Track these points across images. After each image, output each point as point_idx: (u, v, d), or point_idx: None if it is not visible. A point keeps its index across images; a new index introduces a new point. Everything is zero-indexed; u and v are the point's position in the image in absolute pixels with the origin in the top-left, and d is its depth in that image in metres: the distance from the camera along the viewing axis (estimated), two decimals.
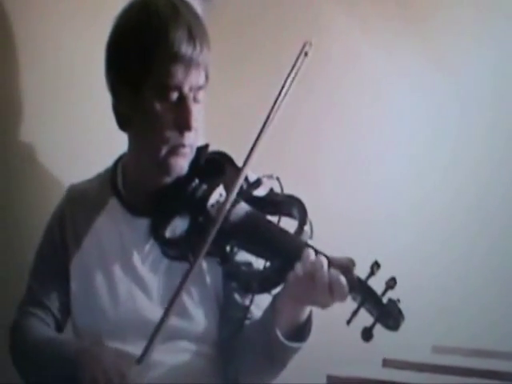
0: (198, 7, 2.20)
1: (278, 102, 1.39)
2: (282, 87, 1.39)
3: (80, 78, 1.84)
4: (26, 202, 1.73)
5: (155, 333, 1.30)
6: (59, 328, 1.59)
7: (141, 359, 1.31)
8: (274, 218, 1.41)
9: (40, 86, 1.77)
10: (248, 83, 2.21)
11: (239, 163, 1.44)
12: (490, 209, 1.99)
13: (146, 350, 1.30)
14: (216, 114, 2.00)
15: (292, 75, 1.40)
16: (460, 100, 2.06)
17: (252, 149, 1.38)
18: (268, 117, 1.39)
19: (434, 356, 1.72)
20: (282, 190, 1.41)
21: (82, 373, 1.36)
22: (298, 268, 1.29)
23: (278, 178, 1.42)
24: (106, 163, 1.61)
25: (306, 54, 1.42)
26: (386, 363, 1.57)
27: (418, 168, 2.09)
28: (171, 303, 1.32)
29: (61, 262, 1.55)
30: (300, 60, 1.41)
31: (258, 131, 1.39)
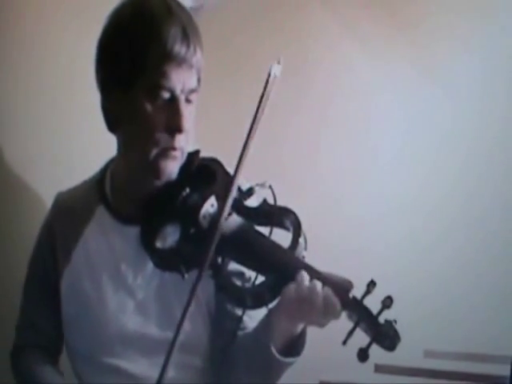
0: None
1: (256, 121, 1.35)
2: (257, 110, 1.35)
3: (67, 83, 1.83)
4: (10, 210, 1.72)
5: (167, 359, 1.25)
6: (58, 346, 1.57)
7: None
8: (266, 229, 1.38)
9: (25, 92, 1.75)
10: (238, 91, 2.22)
11: (231, 170, 1.41)
12: (479, 212, 2.00)
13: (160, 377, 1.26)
14: (206, 121, 2.01)
15: (265, 98, 1.37)
16: (450, 104, 2.07)
17: (240, 160, 1.34)
18: (248, 136, 1.35)
19: (425, 360, 1.73)
20: (274, 198, 1.38)
21: None
22: (292, 291, 1.27)
23: (270, 187, 1.38)
24: (93, 169, 1.58)
25: (274, 76, 1.38)
26: (378, 368, 1.57)
27: (410, 170, 2.10)
28: (180, 324, 1.27)
29: (52, 277, 1.51)
30: (271, 82, 1.37)
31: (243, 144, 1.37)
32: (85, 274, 1.48)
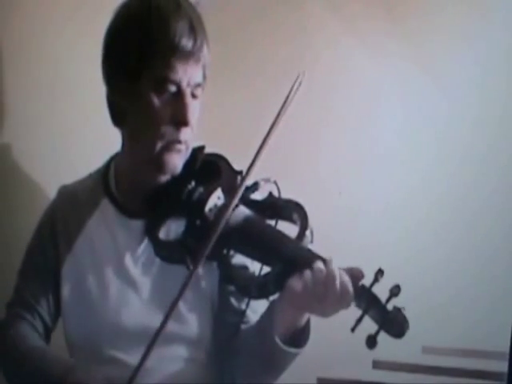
0: None
1: (276, 124, 1.38)
2: (278, 114, 1.37)
3: (68, 80, 1.83)
4: (13, 206, 1.72)
5: (150, 345, 1.27)
6: (47, 332, 1.55)
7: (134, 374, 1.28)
8: (271, 222, 1.39)
9: (26, 89, 1.76)
10: (235, 88, 2.22)
11: (235, 166, 1.44)
12: (477, 208, 2.00)
13: (141, 362, 1.28)
14: (209, 117, 2.01)
15: (287, 105, 1.38)
16: (448, 99, 2.07)
17: (255, 157, 1.35)
18: (268, 133, 1.37)
19: (424, 357, 1.73)
20: (279, 193, 1.39)
21: None
22: (308, 277, 1.26)
23: (275, 182, 1.40)
24: (95, 165, 1.59)
25: (299, 84, 1.39)
26: (377, 365, 1.58)
27: (410, 165, 2.10)
28: (169, 312, 1.29)
29: (51, 264, 1.51)
30: (294, 91, 1.38)
31: (259, 140, 1.37)
32: (87, 264, 1.49)
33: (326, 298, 1.25)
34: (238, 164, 1.44)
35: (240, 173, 1.43)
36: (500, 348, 1.69)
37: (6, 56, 1.72)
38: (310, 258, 1.29)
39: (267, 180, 1.41)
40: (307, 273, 1.26)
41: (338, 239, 2.02)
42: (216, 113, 2.19)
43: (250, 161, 1.36)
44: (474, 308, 1.95)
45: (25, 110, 1.75)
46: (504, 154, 2.01)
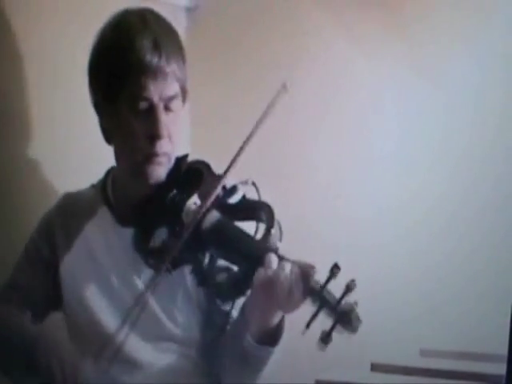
0: (183, 18, 2.24)
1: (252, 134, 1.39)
2: (258, 122, 1.38)
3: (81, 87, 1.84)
4: (26, 211, 1.75)
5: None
6: (37, 316, 1.58)
7: None
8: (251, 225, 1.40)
9: (40, 96, 1.79)
10: (233, 91, 2.22)
11: (221, 170, 1.45)
12: (475, 211, 2.01)
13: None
14: (201, 121, 2.02)
15: (268, 113, 1.40)
16: (447, 103, 2.07)
17: (231, 162, 1.39)
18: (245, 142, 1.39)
19: (422, 359, 1.73)
20: (258, 194, 1.42)
21: (40, 356, 1.40)
22: (261, 273, 1.30)
23: (253, 183, 1.43)
24: (97, 172, 1.64)
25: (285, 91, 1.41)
26: (374, 367, 1.57)
27: (407, 169, 2.11)
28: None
29: (50, 258, 1.57)
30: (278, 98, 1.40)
31: (237, 147, 1.39)
32: (84, 266, 1.55)
33: (276, 291, 1.28)
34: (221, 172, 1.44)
35: (220, 177, 1.46)
36: (498, 350, 1.69)
37: (6, 57, 1.73)
38: (265, 253, 1.31)
39: (245, 182, 1.43)
40: (261, 270, 1.30)
41: (335, 242, 2.03)
42: (213, 114, 2.20)
43: (244, 165, 1.38)
44: (471, 310, 1.95)
45: (41, 119, 1.79)
46: (502, 159, 2.02)
